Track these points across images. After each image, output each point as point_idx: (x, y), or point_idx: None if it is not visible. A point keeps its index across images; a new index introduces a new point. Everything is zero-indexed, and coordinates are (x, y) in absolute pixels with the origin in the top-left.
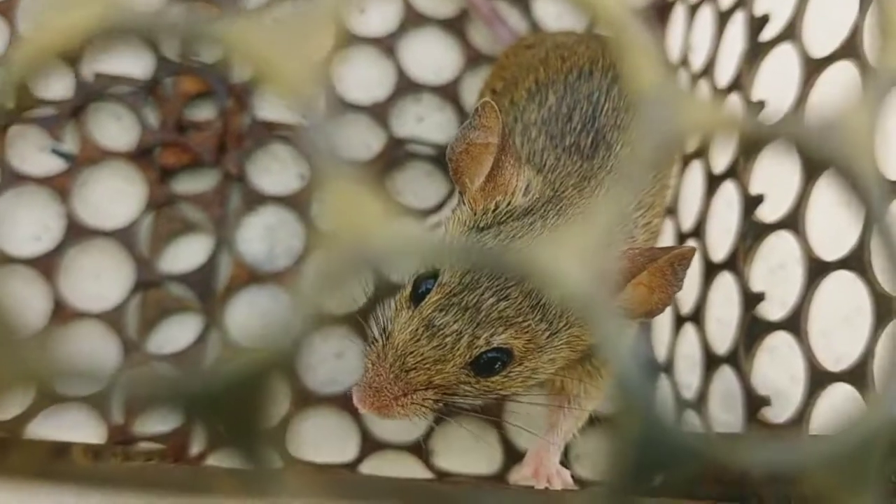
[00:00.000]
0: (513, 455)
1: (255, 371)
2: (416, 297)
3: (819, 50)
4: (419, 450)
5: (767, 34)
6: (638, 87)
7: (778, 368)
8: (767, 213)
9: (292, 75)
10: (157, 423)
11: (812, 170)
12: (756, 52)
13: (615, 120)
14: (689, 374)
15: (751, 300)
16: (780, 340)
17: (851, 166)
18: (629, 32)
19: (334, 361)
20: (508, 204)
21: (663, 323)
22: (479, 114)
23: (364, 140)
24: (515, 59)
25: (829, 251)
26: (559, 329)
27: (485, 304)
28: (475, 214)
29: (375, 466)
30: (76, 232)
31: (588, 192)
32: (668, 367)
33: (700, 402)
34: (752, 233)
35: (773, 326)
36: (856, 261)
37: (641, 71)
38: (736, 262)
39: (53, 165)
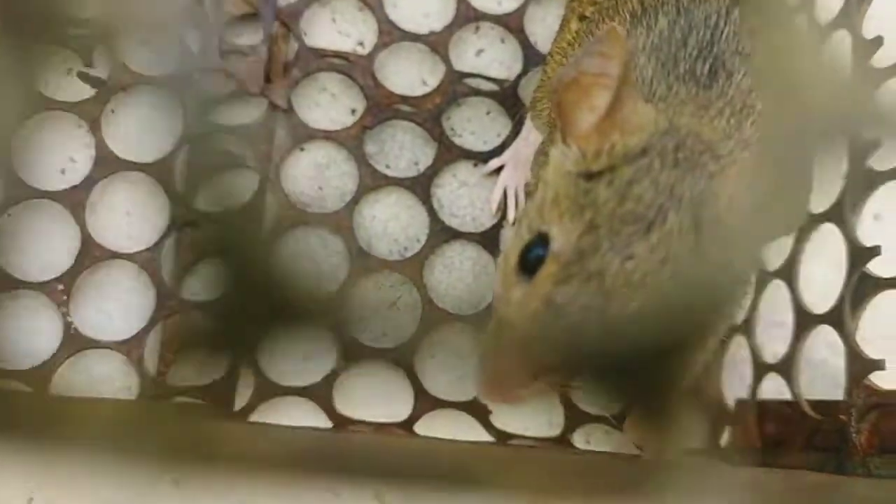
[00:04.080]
0: (576, 417)
1: None
2: (527, 268)
3: None
4: (476, 409)
5: None
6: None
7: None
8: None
9: None
10: (196, 375)
11: None
12: None
13: (736, 46)
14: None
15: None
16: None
17: None
18: None
19: (386, 312)
20: (626, 144)
21: None
22: (600, 40)
23: (419, 74)
24: None
25: None
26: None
27: (609, 269)
28: (586, 158)
29: (430, 426)
30: (105, 164)
31: (706, 121)
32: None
33: (788, 367)
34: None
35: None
36: None
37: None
38: (842, 213)
39: (81, 91)
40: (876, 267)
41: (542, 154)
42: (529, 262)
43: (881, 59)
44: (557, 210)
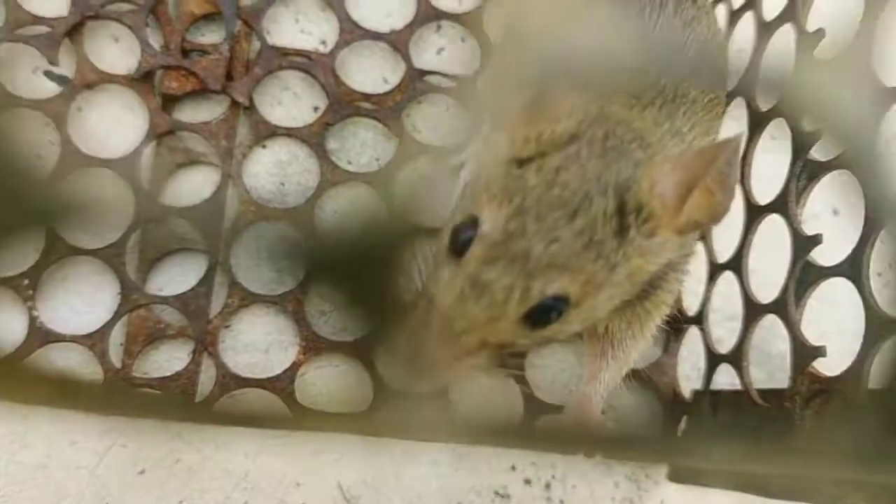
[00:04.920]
0: (535, 406)
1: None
2: (457, 249)
3: None
4: (436, 399)
5: None
6: None
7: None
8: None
9: None
10: (159, 368)
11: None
12: None
13: (669, 37)
14: (723, 326)
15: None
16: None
17: None
18: None
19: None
20: (553, 132)
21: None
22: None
23: (380, 72)
24: None
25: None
26: (618, 263)
27: (534, 252)
28: (515, 145)
29: (390, 417)
30: (71, 161)
31: (638, 110)
32: (699, 320)
33: (738, 357)
34: (806, 172)
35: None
36: None
37: None
38: (787, 204)
39: (47, 89)
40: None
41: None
42: (459, 243)
43: (823, 50)
44: (488, 194)
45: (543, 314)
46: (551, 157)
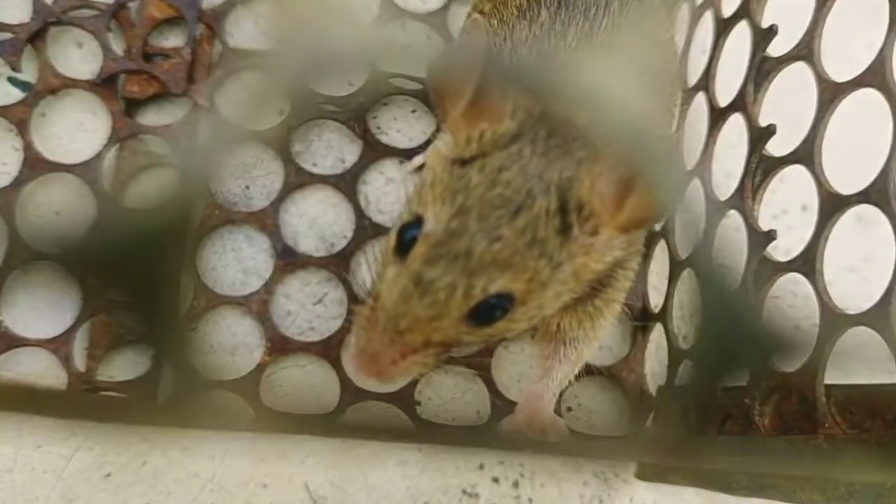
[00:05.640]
0: (503, 405)
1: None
2: (402, 248)
3: None
4: (402, 399)
5: None
6: None
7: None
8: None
9: None
10: (123, 371)
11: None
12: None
13: (614, 37)
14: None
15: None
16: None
17: None
18: None
19: (313, 308)
20: (494, 132)
21: (656, 269)
22: (465, 31)
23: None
24: None
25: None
26: (562, 261)
27: (476, 250)
28: (458, 145)
29: (357, 418)
30: (34, 166)
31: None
32: (662, 316)
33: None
34: (761, 168)
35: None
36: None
37: None
38: (742, 201)
39: (10, 95)
40: None
41: None
42: (405, 242)
43: (776, 47)
44: (433, 194)
45: (488, 312)
46: (494, 156)
